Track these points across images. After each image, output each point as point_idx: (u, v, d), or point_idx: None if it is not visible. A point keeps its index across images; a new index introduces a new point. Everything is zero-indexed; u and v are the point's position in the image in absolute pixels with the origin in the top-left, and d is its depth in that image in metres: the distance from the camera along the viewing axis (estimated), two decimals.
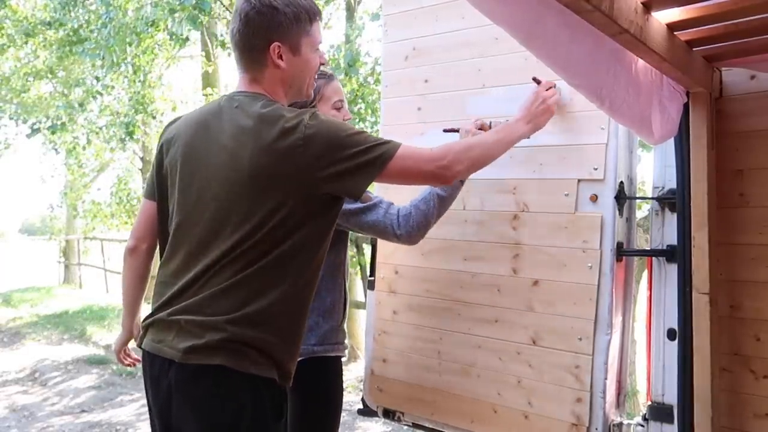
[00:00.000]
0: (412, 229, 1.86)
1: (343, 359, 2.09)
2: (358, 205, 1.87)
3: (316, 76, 1.94)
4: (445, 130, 2.09)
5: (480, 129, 1.99)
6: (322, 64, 1.65)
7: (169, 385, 1.45)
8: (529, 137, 1.84)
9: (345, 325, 2.09)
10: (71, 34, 7.41)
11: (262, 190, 1.42)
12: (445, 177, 1.58)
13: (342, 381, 2.06)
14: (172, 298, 1.48)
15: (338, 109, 1.99)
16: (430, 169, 1.55)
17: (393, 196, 2.01)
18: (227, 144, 1.47)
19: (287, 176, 1.42)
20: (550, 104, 1.85)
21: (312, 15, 1.58)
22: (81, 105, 8.26)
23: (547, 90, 1.87)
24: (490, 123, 2.01)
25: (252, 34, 1.52)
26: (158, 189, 1.63)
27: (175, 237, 1.54)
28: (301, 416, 1.96)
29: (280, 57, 1.54)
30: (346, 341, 2.10)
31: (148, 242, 1.73)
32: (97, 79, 8.21)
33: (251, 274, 1.42)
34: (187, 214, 1.51)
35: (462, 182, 1.96)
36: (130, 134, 7.81)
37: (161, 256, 1.61)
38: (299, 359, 1.88)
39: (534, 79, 1.92)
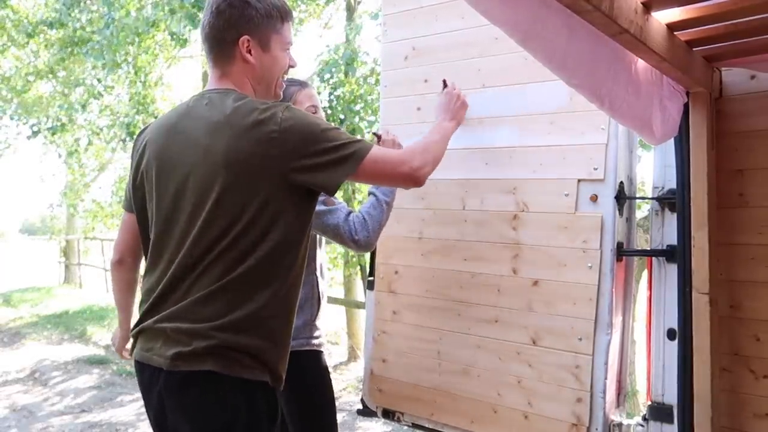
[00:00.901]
0: (369, 234, 1.93)
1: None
2: (322, 207, 1.91)
3: (289, 83, 1.97)
4: (374, 134, 2.19)
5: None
6: (291, 66, 1.65)
7: (160, 393, 1.44)
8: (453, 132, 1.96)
9: (319, 321, 2.10)
10: (73, 34, 7.41)
11: (237, 183, 1.41)
12: (418, 178, 1.60)
13: (324, 374, 2.07)
14: (157, 304, 1.46)
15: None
16: (406, 170, 1.57)
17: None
18: (201, 141, 1.46)
19: (261, 167, 1.41)
20: (464, 99, 2.04)
21: (283, 14, 1.59)
22: (84, 107, 8.26)
23: (454, 89, 2.05)
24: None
25: (222, 26, 1.53)
26: (136, 200, 1.61)
27: (156, 243, 1.52)
28: (290, 414, 1.96)
29: (249, 51, 1.54)
30: (322, 338, 2.12)
31: (132, 254, 1.75)
32: (99, 80, 8.21)
33: (237, 278, 1.40)
34: (166, 218, 1.50)
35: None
36: (131, 135, 7.81)
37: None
38: None
39: (444, 81, 2.11)
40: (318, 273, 2.11)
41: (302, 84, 2.07)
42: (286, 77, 1.70)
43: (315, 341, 2.05)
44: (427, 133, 1.85)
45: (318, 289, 2.09)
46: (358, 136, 1.63)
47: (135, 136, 1.68)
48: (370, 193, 2.04)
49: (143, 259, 1.73)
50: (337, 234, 1.95)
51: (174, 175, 1.49)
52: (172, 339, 1.41)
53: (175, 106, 1.66)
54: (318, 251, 2.12)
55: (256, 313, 1.41)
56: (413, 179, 1.60)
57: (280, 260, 1.45)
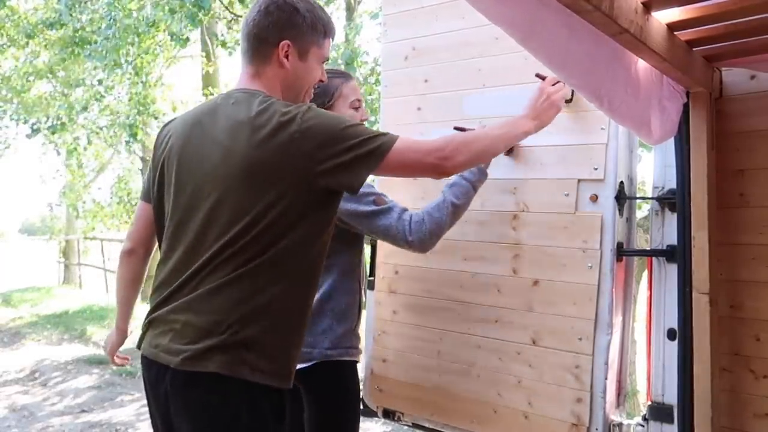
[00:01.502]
0: (424, 236, 1.80)
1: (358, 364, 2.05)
2: (372, 207, 1.83)
3: (333, 75, 1.94)
4: (456, 128, 2.03)
5: None
6: (321, 81, 1.66)
7: (166, 391, 1.44)
8: (534, 133, 1.77)
9: (359, 329, 2.05)
10: (73, 34, 7.41)
11: (258, 185, 1.41)
12: (445, 168, 1.53)
13: (358, 386, 2.02)
14: (170, 295, 1.46)
15: (356, 108, 1.98)
16: (431, 160, 1.51)
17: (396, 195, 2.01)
18: (222, 140, 1.46)
19: (283, 170, 1.41)
20: (555, 100, 1.78)
21: (328, 30, 1.61)
22: (85, 108, 8.28)
23: (553, 85, 1.80)
24: None
25: (267, 26, 1.54)
26: (156, 190, 1.62)
27: (172, 235, 1.52)
28: (317, 422, 1.93)
29: (287, 57, 1.55)
30: (361, 346, 2.06)
31: (145, 245, 1.73)
32: (100, 81, 8.23)
33: (249, 271, 1.40)
34: (184, 211, 1.50)
35: (475, 189, 1.92)
36: (134, 136, 7.83)
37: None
38: (312, 363, 1.86)
39: (538, 75, 1.86)
40: (361, 281, 2.05)
41: (346, 76, 2.01)
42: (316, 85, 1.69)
43: (354, 351, 1.99)
44: (498, 123, 1.74)
45: (360, 298, 2.04)
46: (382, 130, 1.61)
47: (160, 128, 1.69)
48: (441, 192, 1.90)
49: (155, 251, 1.73)
50: (388, 235, 1.83)
51: (194, 171, 1.50)
52: (180, 335, 1.41)
53: (206, 101, 1.67)
54: (361, 258, 2.05)
55: (265, 307, 1.41)
56: (438, 170, 1.54)
57: (296, 257, 1.45)
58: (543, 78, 1.84)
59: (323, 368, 1.89)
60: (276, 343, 1.44)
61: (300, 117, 1.42)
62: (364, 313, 2.20)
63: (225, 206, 1.43)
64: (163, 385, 1.44)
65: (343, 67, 5.74)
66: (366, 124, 1.95)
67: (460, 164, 1.57)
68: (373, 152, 1.45)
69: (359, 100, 2.00)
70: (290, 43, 1.55)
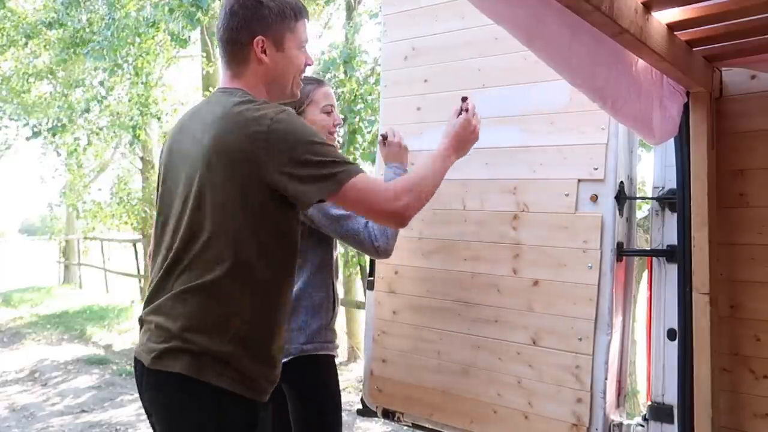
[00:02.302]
0: (388, 240, 1.90)
1: (340, 360, 2.08)
2: (341, 211, 1.88)
3: (306, 81, 1.94)
4: (382, 135, 2.07)
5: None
6: (308, 64, 1.63)
7: (142, 388, 1.48)
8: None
9: (335, 325, 2.08)
10: (74, 34, 7.41)
11: (219, 179, 1.40)
12: (403, 218, 1.51)
13: (336, 378, 2.05)
14: (151, 296, 1.49)
15: (328, 113, 2.01)
16: (390, 208, 1.47)
17: None
18: (198, 137, 1.47)
19: (242, 165, 1.39)
20: (478, 132, 1.79)
21: (297, 12, 1.58)
22: (87, 111, 8.27)
23: (473, 115, 1.79)
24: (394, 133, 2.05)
25: (236, 27, 1.53)
26: (155, 194, 1.66)
27: (159, 235, 1.54)
28: (300, 416, 1.96)
29: (264, 52, 1.53)
30: (337, 341, 2.10)
31: None
32: (101, 83, 8.22)
33: (214, 280, 1.39)
34: (166, 212, 1.52)
35: None
36: (138, 137, 7.83)
37: None
38: (289, 358, 1.89)
39: (463, 98, 1.84)
40: (333, 276, 2.09)
41: (319, 82, 2.04)
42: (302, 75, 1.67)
43: (330, 345, 2.02)
44: (427, 161, 1.65)
45: (333, 293, 2.06)
46: (350, 158, 1.57)
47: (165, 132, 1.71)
48: None
49: None
50: (356, 240, 1.90)
51: (176, 172, 1.52)
52: (154, 335, 1.43)
53: (195, 104, 1.69)
54: (332, 254, 2.09)
55: (229, 319, 1.40)
56: (398, 219, 1.51)
57: (257, 268, 1.42)
58: (464, 99, 1.82)
59: (300, 363, 1.93)
60: (242, 356, 1.41)
61: (269, 118, 1.40)
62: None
63: (189, 204, 1.44)
64: (141, 382, 1.48)
65: (341, 66, 5.73)
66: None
67: (416, 211, 1.53)
68: (330, 177, 1.41)
69: (332, 106, 2.02)
70: (263, 37, 1.52)
